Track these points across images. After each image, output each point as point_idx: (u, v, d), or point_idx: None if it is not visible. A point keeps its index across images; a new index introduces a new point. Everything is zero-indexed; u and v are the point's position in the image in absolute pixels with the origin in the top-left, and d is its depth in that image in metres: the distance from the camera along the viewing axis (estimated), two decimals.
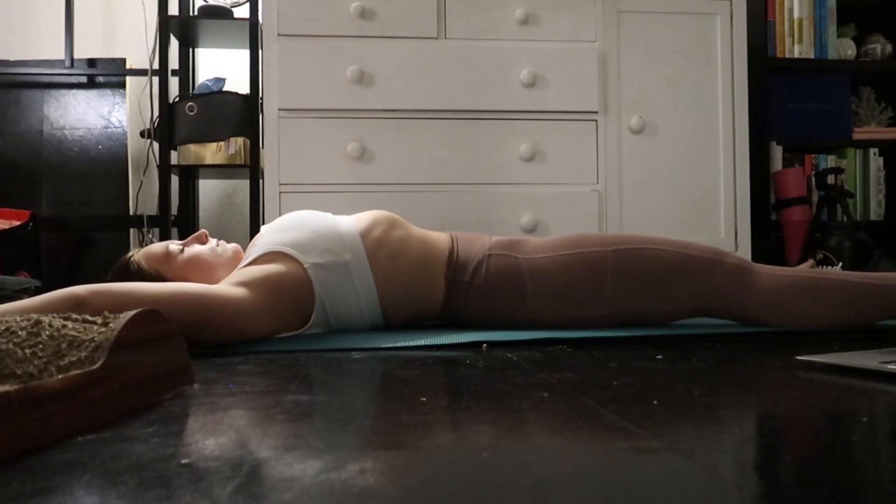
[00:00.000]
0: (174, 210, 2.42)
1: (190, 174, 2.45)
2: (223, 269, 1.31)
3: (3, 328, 0.62)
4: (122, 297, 1.00)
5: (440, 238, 1.33)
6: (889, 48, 2.45)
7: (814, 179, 2.35)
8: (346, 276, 1.23)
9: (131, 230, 2.57)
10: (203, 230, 1.36)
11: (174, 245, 1.30)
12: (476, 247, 1.31)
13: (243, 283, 1.13)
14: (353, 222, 1.30)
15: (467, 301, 1.29)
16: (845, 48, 2.40)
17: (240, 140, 2.29)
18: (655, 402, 0.65)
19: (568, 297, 1.26)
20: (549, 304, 1.27)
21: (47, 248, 2.49)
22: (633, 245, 1.26)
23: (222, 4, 2.27)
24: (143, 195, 2.57)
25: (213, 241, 1.35)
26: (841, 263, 2.09)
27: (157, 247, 1.30)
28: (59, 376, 0.55)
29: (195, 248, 1.31)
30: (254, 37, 2.14)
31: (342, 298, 1.24)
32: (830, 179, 2.30)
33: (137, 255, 1.29)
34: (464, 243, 1.32)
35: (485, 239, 1.34)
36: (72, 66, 2.54)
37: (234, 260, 1.33)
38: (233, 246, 1.37)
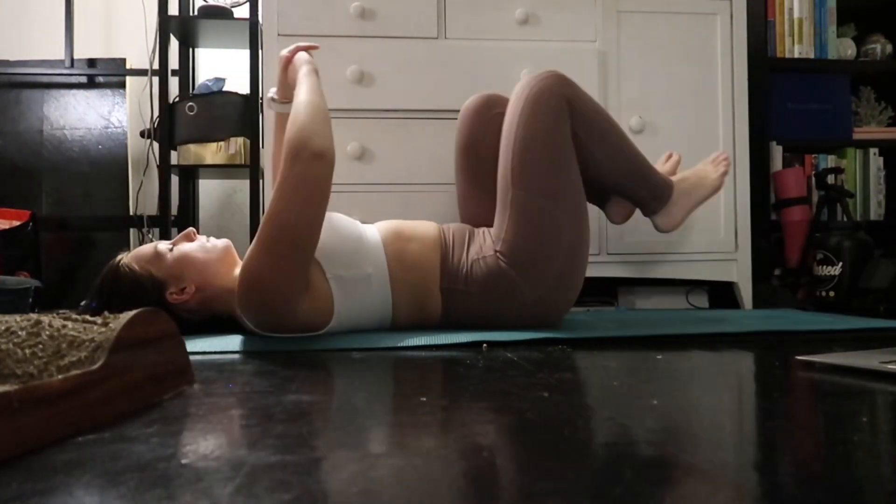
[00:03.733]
0: (174, 210, 2.42)
1: (190, 174, 2.45)
2: (215, 264, 1.29)
3: (3, 328, 0.62)
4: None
5: (434, 244, 1.32)
6: (889, 48, 2.45)
7: (814, 179, 2.35)
8: (367, 288, 1.25)
9: (131, 230, 2.57)
10: (191, 228, 1.34)
11: (163, 245, 1.29)
12: (461, 253, 1.32)
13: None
14: (376, 234, 1.31)
15: (468, 308, 1.30)
16: (845, 48, 2.40)
17: (240, 140, 2.29)
18: (655, 402, 0.65)
19: (542, 253, 1.29)
20: (536, 277, 1.29)
21: (47, 248, 2.48)
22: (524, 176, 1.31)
23: (222, 4, 2.27)
24: (143, 195, 2.57)
25: (202, 238, 1.33)
26: (842, 263, 2.09)
27: (147, 248, 1.29)
28: (59, 376, 0.55)
29: (185, 247, 1.29)
30: (254, 37, 2.14)
31: (359, 308, 1.25)
32: (830, 179, 2.30)
33: (126, 258, 1.27)
34: (458, 248, 1.33)
35: (466, 239, 1.35)
36: (72, 66, 2.54)
37: (225, 255, 1.32)
38: (223, 241, 1.34)
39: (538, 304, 1.30)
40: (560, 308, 1.35)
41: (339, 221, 1.31)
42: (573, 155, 1.33)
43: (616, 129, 1.40)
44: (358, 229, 1.31)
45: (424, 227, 1.35)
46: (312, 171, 1.14)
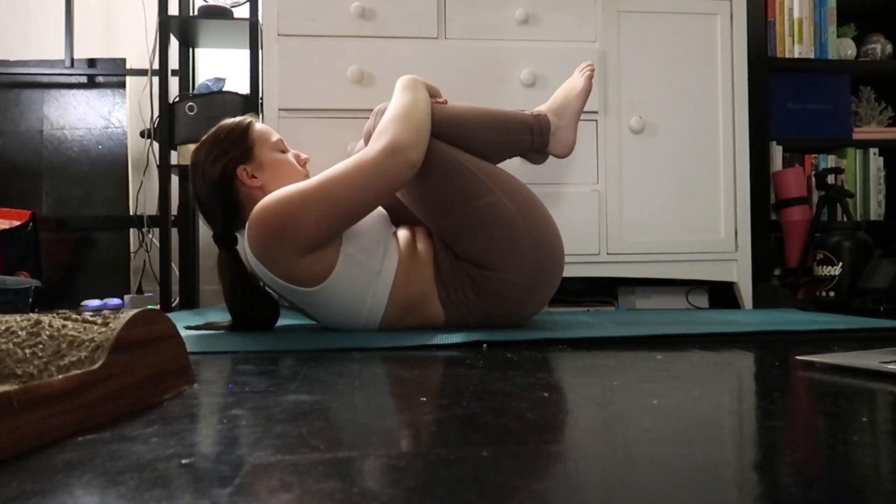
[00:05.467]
0: (174, 210, 2.42)
1: None
2: (285, 179, 1.34)
3: (3, 328, 0.62)
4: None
5: (429, 260, 1.32)
6: (889, 48, 2.45)
7: (814, 179, 2.35)
8: (367, 282, 1.25)
9: (131, 230, 2.57)
10: (307, 157, 1.41)
11: (285, 144, 1.38)
12: (451, 266, 1.31)
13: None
14: (401, 243, 1.32)
15: (471, 311, 1.30)
16: (845, 48, 2.41)
17: None
18: (655, 402, 0.65)
19: (506, 239, 1.28)
20: (516, 262, 1.28)
21: (47, 248, 2.49)
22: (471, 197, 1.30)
23: (222, 4, 2.27)
24: (143, 195, 2.57)
25: (306, 169, 1.39)
26: (842, 263, 2.09)
27: (276, 134, 1.38)
28: (59, 376, 0.55)
29: (290, 158, 1.37)
30: (254, 37, 2.14)
31: (349, 295, 1.24)
32: (830, 179, 2.30)
33: (257, 121, 1.38)
34: (446, 261, 1.32)
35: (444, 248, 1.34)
36: (72, 66, 2.54)
37: (297, 177, 1.36)
38: (307, 176, 1.39)
39: (533, 283, 1.30)
40: (556, 273, 1.35)
41: (379, 211, 1.36)
42: (457, 153, 1.31)
43: (462, 109, 1.37)
44: (389, 229, 1.34)
45: (424, 243, 1.35)
46: (397, 175, 1.21)
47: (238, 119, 1.37)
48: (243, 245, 1.26)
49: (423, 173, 1.28)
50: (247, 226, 1.21)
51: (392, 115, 1.26)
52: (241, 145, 1.32)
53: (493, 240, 1.28)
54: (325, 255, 1.21)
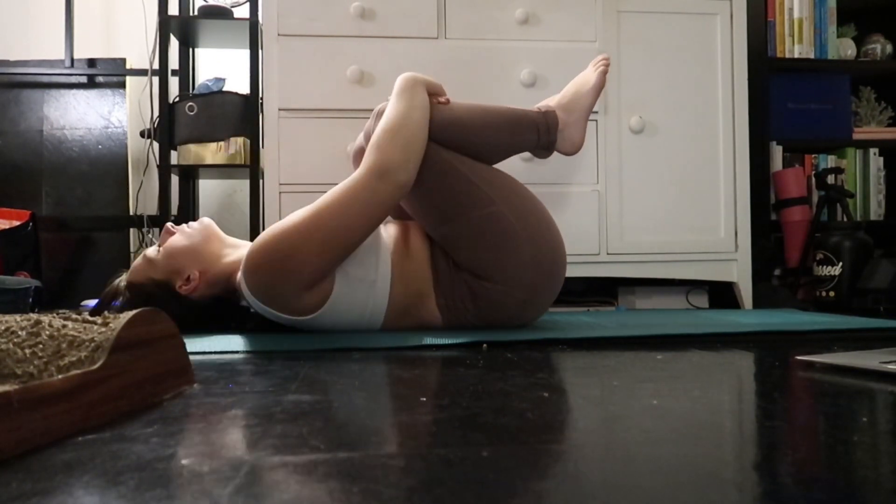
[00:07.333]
0: (174, 210, 2.42)
1: (190, 174, 2.45)
2: (203, 244, 1.32)
3: (3, 328, 0.62)
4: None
5: (425, 261, 1.31)
6: (889, 48, 2.45)
7: (814, 179, 2.35)
8: (366, 294, 1.24)
9: (131, 230, 2.57)
10: (167, 224, 1.36)
11: (151, 250, 1.33)
12: (451, 274, 1.30)
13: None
14: (390, 242, 1.30)
15: (468, 318, 1.30)
16: (845, 48, 2.40)
17: (240, 140, 2.29)
18: (655, 402, 0.65)
19: (505, 252, 1.27)
20: (514, 276, 1.27)
21: (47, 248, 2.48)
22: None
23: (222, 4, 2.27)
24: (143, 195, 2.57)
25: (181, 227, 1.35)
26: (842, 263, 2.09)
27: (138, 262, 1.33)
28: (59, 376, 0.55)
29: (169, 242, 1.33)
30: (254, 37, 2.14)
31: (349, 309, 1.24)
32: (830, 179, 2.30)
33: (124, 277, 1.33)
34: (445, 264, 1.31)
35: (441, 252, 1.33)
36: (72, 66, 2.54)
37: (208, 232, 1.34)
38: (199, 222, 1.37)
39: (533, 292, 1.30)
40: (557, 280, 1.34)
41: None
42: (458, 160, 1.29)
43: (465, 109, 1.34)
44: (377, 231, 1.31)
45: (419, 242, 1.34)
46: (388, 197, 1.19)
47: (117, 293, 1.32)
48: (241, 288, 1.22)
49: (422, 182, 1.26)
50: (243, 270, 1.16)
51: (383, 128, 1.23)
52: (155, 292, 1.28)
53: (494, 251, 1.26)
54: (325, 281, 1.20)
